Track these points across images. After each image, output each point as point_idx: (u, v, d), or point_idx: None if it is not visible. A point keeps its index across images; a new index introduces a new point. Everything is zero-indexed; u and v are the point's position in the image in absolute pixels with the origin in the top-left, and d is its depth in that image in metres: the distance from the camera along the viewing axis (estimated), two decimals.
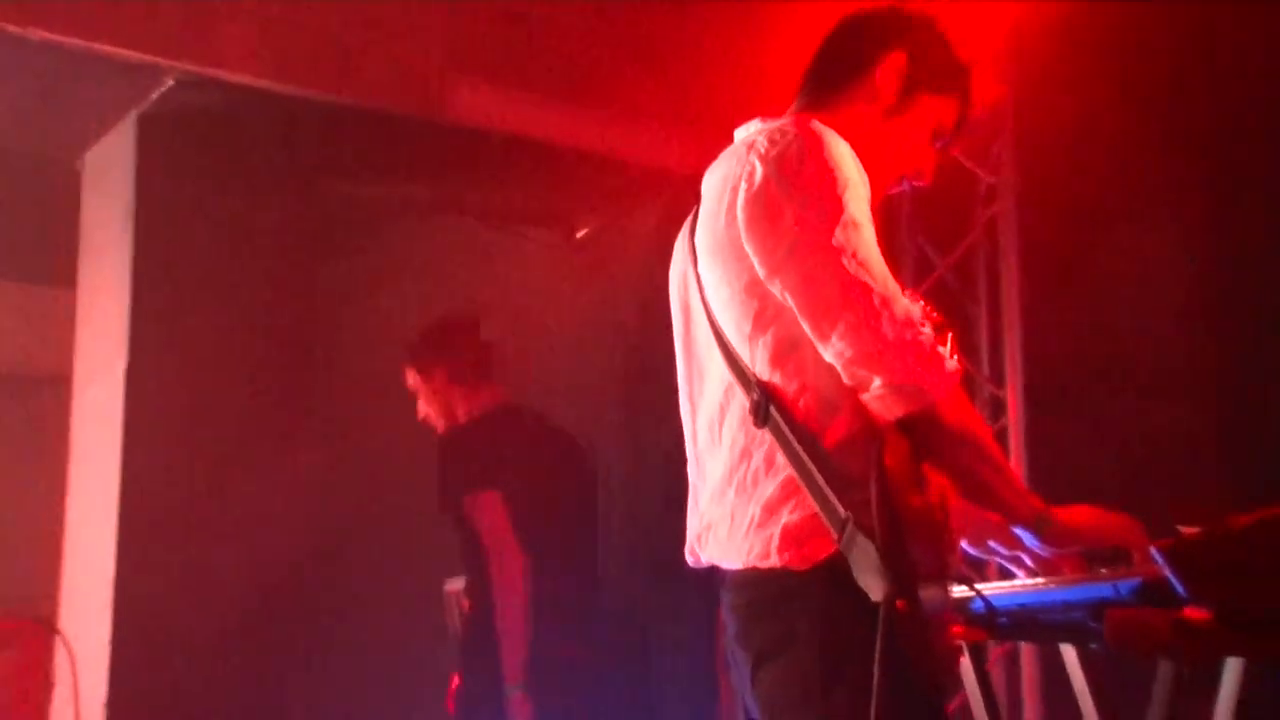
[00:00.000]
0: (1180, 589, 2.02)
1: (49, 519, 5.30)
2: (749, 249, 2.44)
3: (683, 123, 5.43)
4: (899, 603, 2.20)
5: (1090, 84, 6.30)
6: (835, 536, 2.28)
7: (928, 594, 2.22)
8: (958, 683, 2.95)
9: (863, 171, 2.46)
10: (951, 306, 5.75)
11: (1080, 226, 6.33)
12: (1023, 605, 2.59)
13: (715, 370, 2.54)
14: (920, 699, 2.28)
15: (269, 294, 5.17)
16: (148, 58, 4.66)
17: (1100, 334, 6.35)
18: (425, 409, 5.07)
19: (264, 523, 5.01)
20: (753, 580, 2.42)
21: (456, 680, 4.90)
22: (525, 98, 5.27)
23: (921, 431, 2.32)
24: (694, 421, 2.63)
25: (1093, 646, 2.95)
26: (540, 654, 4.67)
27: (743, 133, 2.61)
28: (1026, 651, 5.58)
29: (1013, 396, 5.82)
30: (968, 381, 3.24)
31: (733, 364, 2.48)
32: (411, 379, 5.07)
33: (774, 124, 2.54)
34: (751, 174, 2.45)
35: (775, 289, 2.41)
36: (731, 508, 2.46)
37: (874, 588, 2.22)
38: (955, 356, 2.40)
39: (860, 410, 2.35)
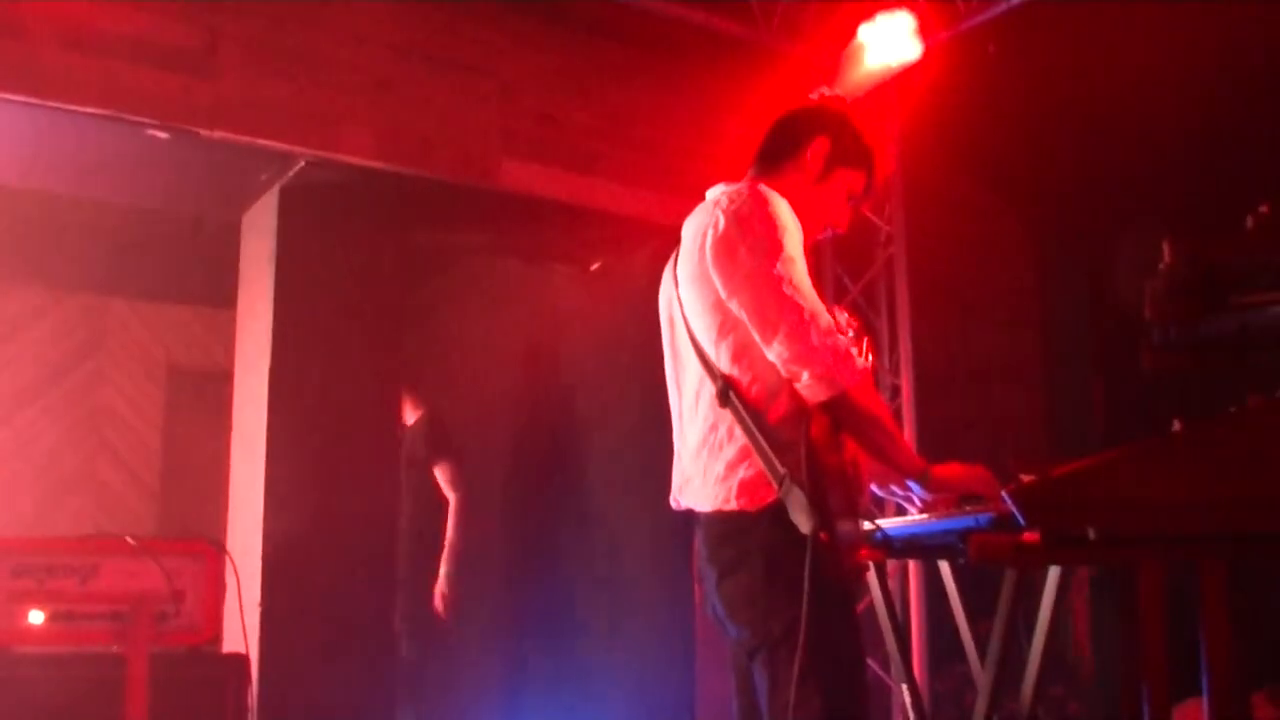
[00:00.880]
0: (1020, 519, 2.02)
1: (220, 472, 5.30)
2: (714, 277, 2.44)
3: (665, 189, 5.42)
4: (822, 534, 2.21)
5: (956, 161, 6.35)
6: (776, 487, 2.29)
7: (842, 527, 2.23)
8: (865, 590, 2.96)
9: (797, 221, 2.46)
10: (860, 320, 5.73)
11: (949, 263, 6.36)
12: (911, 534, 2.59)
13: (692, 365, 2.54)
14: (837, 601, 2.29)
15: (371, 312, 5.15)
16: (287, 146, 4.66)
17: (964, 340, 6.38)
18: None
19: (369, 476, 5.00)
20: (718, 519, 2.43)
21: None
22: (553, 172, 5.27)
23: (838, 411, 2.33)
24: (679, 402, 2.63)
25: (960, 562, 2.94)
26: None
27: (712, 193, 2.61)
28: (913, 567, 5.57)
29: (905, 384, 5.80)
30: (874, 373, 3.24)
31: (704, 361, 2.48)
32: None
33: (733, 187, 2.54)
34: (716, 223, 2.45)
35: (733, 306, 2.41)
36: (704, 466, 2.46)
37: (803, 523, 2.23)
38: (869, 355, 2.41)
39: (794, 395, 2.35)
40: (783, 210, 2.44)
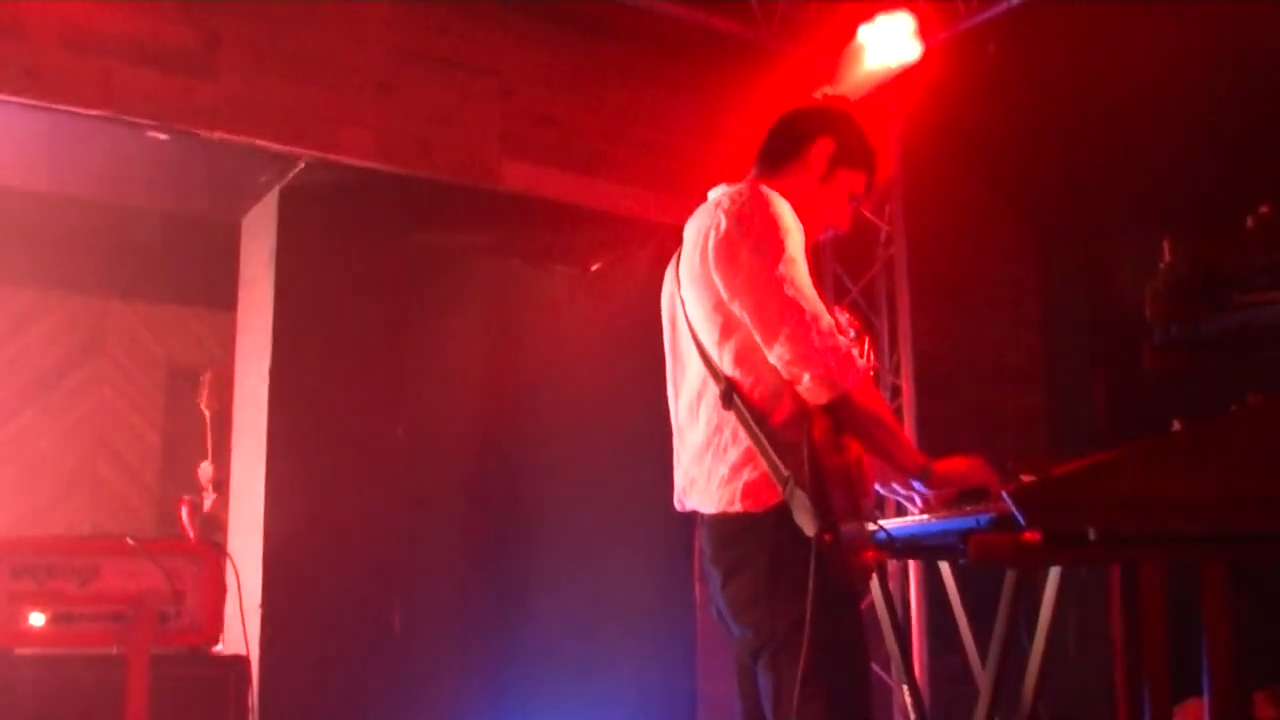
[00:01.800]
0: (1021, 520, 2.03)
1: (220, 471, 5.30)
2: (715, 279, 2.43)
3: (666, 189, 5.43)
4: (826, 535, 2.21)
5: (956, 161, 6.35)
6: (780, 489, 2.29)
7: (846, 529, 2.23)
8: (867, 590, 2.96)
9: (799, 222, 2.46)
10: (860, 320, 5.74)
11: (949, 263, 6.36)
12: (912, 534, 2.59)
13: (693, 366, 2.54)
14: (841, 602, 2.29)
15: (371, 313, 5.15)
16: (288, 148, 4.66)
17: (964, 339, 6.38)
18: None
19: (370, 476, 5.00)
20: (722, 521, 2.43)
21: None
22: (554, 173, 5.28)
23: (840, 412, 2.33)
24: (677, 403, 2.63)
25: (961, 562, 2.95)
26: None
27: (714, 193, 2.60)
28: (914, 567, 5.58)
29: (906, 384, 5.81)
30: (875, 373, 3.25)
31: (707, 363, 2.48)
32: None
33: (735, 187, 2.53)
34: (718, 224, 2.44)
35: (735, 308, 2.41)
36: (708, 468, 2.46)
37: (807, 525, 2.23)
38: (870, 355, 2.41)
39: (797, 397, 2.35)
40: (784, 211, 2.44)
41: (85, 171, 5.00)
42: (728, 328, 2.43)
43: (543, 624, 5.93)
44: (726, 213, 2.44)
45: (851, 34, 5.33)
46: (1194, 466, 2.04)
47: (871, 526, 2.55)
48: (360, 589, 4.87)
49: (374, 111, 4.84)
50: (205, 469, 5.53)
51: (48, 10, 4.21)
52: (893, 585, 5.60)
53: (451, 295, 6.27)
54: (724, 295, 2.42)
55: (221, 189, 5.09)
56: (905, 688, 3.20)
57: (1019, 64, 5.50)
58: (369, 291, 5.15)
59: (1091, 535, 2.02)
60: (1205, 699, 2.03)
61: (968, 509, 2.44)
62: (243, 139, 4.54)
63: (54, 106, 4.22)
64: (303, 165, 4.81)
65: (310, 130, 4.67)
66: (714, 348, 2.46)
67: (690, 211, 2.60)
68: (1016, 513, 2.02)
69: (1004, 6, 5.09)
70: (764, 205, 2.43)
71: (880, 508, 3.73)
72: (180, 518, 5.49)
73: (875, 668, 5.20)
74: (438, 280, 5.93)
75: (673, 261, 2.67)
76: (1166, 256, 2.26)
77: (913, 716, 3.14)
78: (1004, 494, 2.05)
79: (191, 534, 5.40)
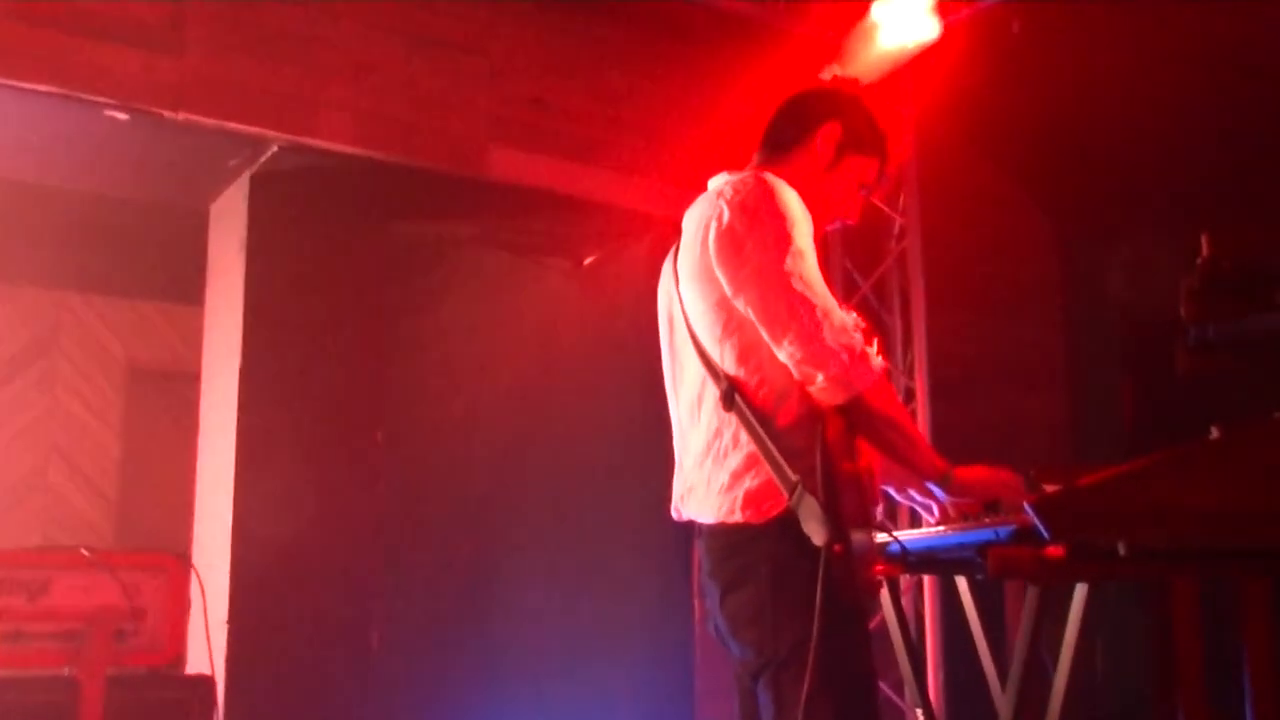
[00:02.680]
0: (1043, 532, 2.02)
1: (185, 480, 5.29)
2: (718, 273, 2.42)
3: (664, 178, 5.43)
4: (836, 546, 2.20)
5: (975, 149, 6.35)
6: (787, 496, 2.28)
7: (857, 539, 2.22)
8: (878, 606, 2.95)
9: (806, 212, 2.45)
10: (872, 318, 5.74)
11: (967, 257, 6.36)
12: (928, 547, 2.59)
13: (693, 366, 2.53)
14: (849, 618, 2.29)
15: (349, 308, 5.15)
16: (259, 131, 4.65)
17: (982, 339, 6.38)
18: None
19: (347, 483, 5.00)
20: (722, 531, 2.42)
21: None
22: (545, 160, 5.27)
23: (854, 414, 2.32)
24: (677, 406, 2.62)
25: (979, 577, 2.94)
26: None
27: (715, 182, 2.59)
28: (929, 583, 5.57)
29: (920, 386, 5.81)
30: (887, 374, 3.23)
31: (706, 362, 2.47)
32: None
33: (738, 176, 2.53)
34: (720, 215, 2.44)
35: (739, 304, 2.40)
36: (708, 474, 2.45)
37: (817, 534, 2.23)
38: (880, 355, 2.40)
39: (805, 397, 2.35)
40: (791, 200, 2.43)
41: (37, 154, 4.98)
42: (729, 324, 2.43)
43: (530, 642, 5.91)
44: (729, 202, 2.43)
45: (863, 11, 5.32)
46: (1232, 476, 2.03)
47: (884, 538, 2.54)
48: (336, 604, 4.85)
49: (352, 92, 4.82)
50: None
51: None
52: (906, 601, 5.59)
53: (435, 289, 6.25)
54: (727, 290, 2.41)
55: (187, 174, 5.07)
56: (919, 711, 3.19)
57: (1044, 44, 5.50)
58: (346, 285, 5.14)
59: (1121, 549, 2.01)
60: None
61: (986, 520, 2.43)
62: (210, 120, 4.52)
63: (4, 82, 4.20)
64: (275, 149, 4.79)
65: (283, 112, 4.65)
66: (714, 346, 2.45)
67: (690, 201, 2.60)
68: (1039, 525, 2.01)
69: None
70: (769, 194, 2.42)
71: (892, 518, 3.73)
72: None
73: (887, 690, 5.21)
74: (420, 274, 5.91)
75: (670, 254, 2.67)
76: (1204, 252, 2.25)
77: None
78: (1025, 505, 2.04)
79: None
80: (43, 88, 4.25)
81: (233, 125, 4.58)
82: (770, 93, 2.81)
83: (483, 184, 5.16)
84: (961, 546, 2.45)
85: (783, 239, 2.38)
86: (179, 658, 3.85)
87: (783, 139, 2.67)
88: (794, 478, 2.27)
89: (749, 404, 2.37)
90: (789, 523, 2.27)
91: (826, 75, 2.79)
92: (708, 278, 2.45)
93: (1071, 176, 6.42)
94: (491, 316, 6.17)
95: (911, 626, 5.43)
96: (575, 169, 5.32)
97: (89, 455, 6.99)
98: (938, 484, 2.47)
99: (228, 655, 4.54)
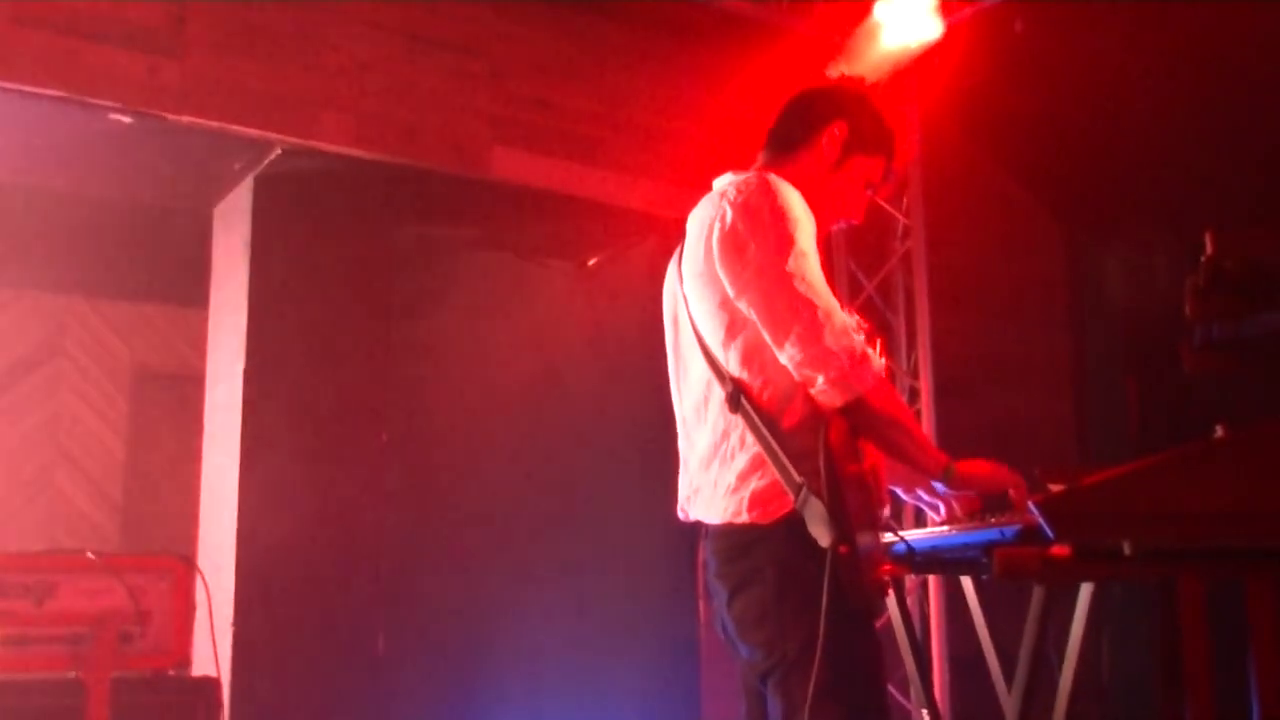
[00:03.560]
0: (1049, 532, 2.01)
1: (190, 482, 5.29)
2: (721, 274, 2.42)
3: (666, 180, 5.43)
4: (842, 547, 2.20)
5: (979, 149, 6.35)
6: (792, 498, 2.28)
7: (863, 540, 2.22)
8: (883, 607, 2.95)
9: (810, 213, 2.45)
10: (876, 319, 5.75)
11: (972, 258, 6.36)
12: (933, 547, 2.59)
13: (698, 367, 2.53)
14: (856, 619, 2.28)
15: (353, 311, 5.14)
16: (262, 133, 4.65)
17: (987, 340, 6.37)
18: None
19: (352, 485, 4.99)
20: (728, 532, 2.42)
21: None
22: (549, 161, 5.27)
23: (856, 415, 2.32)
24: (682, 406, 2.62)
25: (984, 577, 2.94)
26: None
27: (719, 183, 2.60)
28: (934, 583, 5.57)
29: (924, 386, 5.81)
30: (890, 374, 3.22)
31: (711, 363, 2.47)
32: None
33: (741, 177, 2.53)
34: (723, 216, 2.44)
35: (742, 306, 2.40)
36: (714, 476, 2.45)
37: (822, 536, 2.23)
38: (883, 357, 2.40)
39: (810, 399, 2.35)
40: (794, 202, 2.43)
41: (42, 157, 4.98)
42: (734, 326, 2.42)
43: (536, 644, 5.91)
44: (732, 204, 2.43)
45: (866, 11, 5.32)
46: (1238, 476, 2.02)
47: (891, 538, 2.54)
48: (341, 607, 4.85)
49: (355, 94, 4.83)
50: None
51: None
52: (911, 601, 5.59)
53: (439, 291, 6.25)
54: (730, 292, 2.41)
55: (191, 177, 5.07)
56: (924, 712, 3.18)
57: (1047, 44, 5.49)
58: (350, 287, 5.14)
59: (1126, 549, 2.00)
60: None
61: (991, 520, 2.43)
62: (213, 123, 4.53)
63: (7, 86, 4.20)
64: (279, 152, 4.79)
65: (286, 114, 4.65)
66: (719, 347, 2.45)
67: (694, 203, 2.60)
68: (1044, 525, 2.01)
69: None
70: (772, 195, 2.42)
71: (897, 518, 3.73)
72: None
73: (892, 690, 5.21)
74: (424, 275, 5.91)
75: (675, 256, 2.67)
76: (1208, 250, 2.24)
77: None
78: (1031, 505, 2.03)
79: None
80: (46, 91, 4.25)
81: (236, 128, 4.59)
82: (773, 92, 2.81)
83: (485, 185, 5.16)
84: (967, 546, 2.45)
85: (785, 240, 2.38)
86: (184, 661, 3.84)
87: (788, 138, 2.67)
88: (799, 479, 2.27)
89: (754, 406, 2.37)
90: (795, 524, 2.27)
91: (833, 73, 2.79)
92: (711, 279, 2.45)
93: (1075, 176, 6.42)
94: (495, 318, 6.17)
95: (916, 626, 5.43)
96: (578, 169, 5.32)
97: (94, 458, 7.00)
98: (940, 479, 2.47)
99: (233, 658, 4.53)
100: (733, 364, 2.43)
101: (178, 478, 6.06)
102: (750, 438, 2.37)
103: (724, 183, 2.56)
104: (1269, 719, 1.99)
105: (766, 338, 2.37)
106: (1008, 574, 2.10)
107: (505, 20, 5.21)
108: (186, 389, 6.18)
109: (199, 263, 5.36)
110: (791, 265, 2.36)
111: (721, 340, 2.44)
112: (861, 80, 2.77)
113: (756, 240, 2.38)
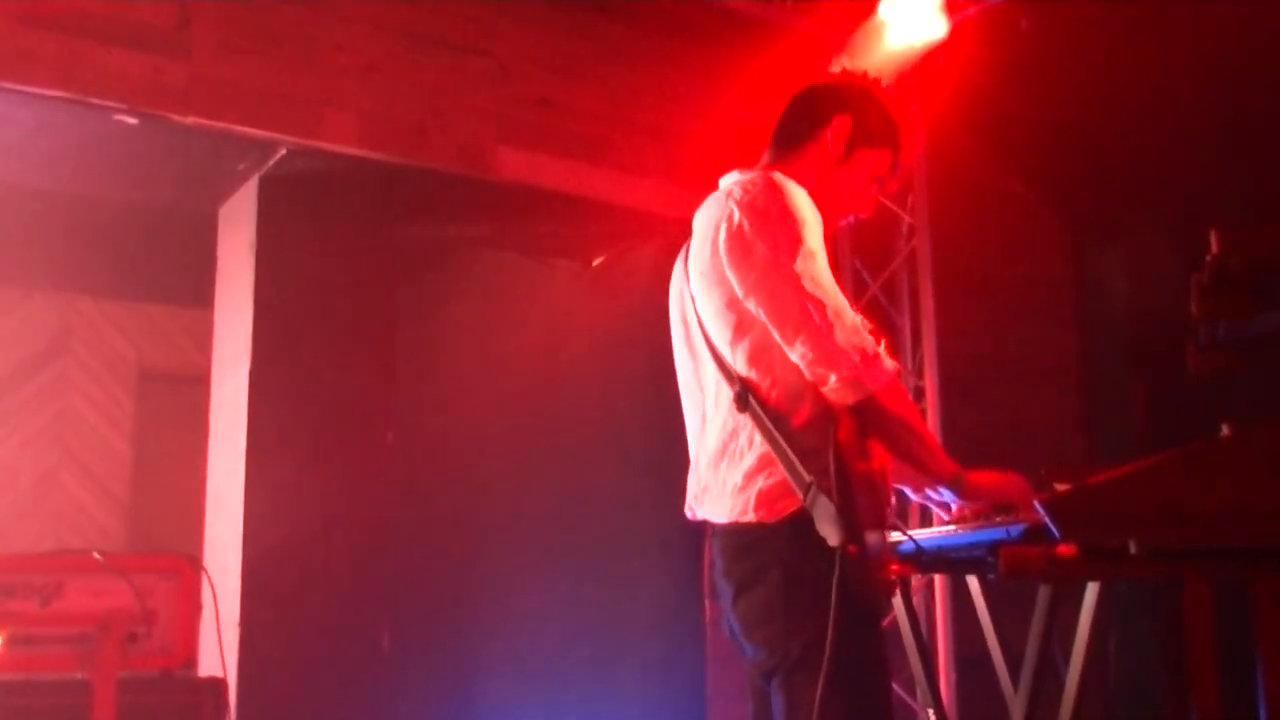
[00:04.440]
0: (1055, 531, 2.02)
1: (196, 482, 5.30)
2: (729, 274, 2.42)
3: (672, 179, 5.43)
4: (851, 547, 2.20)
5: (985, 147, 6.34)
6: (801, 496, 2.28)
7: (871, 540, 2.23)
8: (890, 606, 2.95)
9: (817, 212, 2.45)
10: (881, 318, 5.75)
11: (977, 257, 6.35)
12: (939, 546, 2.59)
13: (707, 366, 2.53)
14: (862, 619, 2.29)
15: (359, 311, 5.15)
16: (267, 134, 4.65)
17: (992, 339, 6.37)
18: None
19: (357, 485, 5.00)
20: (735, 531, 2.42)
21: None
22: (554, 161, 5.27)
23: (866, 414, 2.32)
24: (695, 406, 2.61)
25: (990, 577, 2.94)
26: None
27: (725, 181, 2.60)
28: (939, 582, 5.56)
29: (930, 386, 5.80)
30: (898, 375, 3.23)
31: (719, 363, 2.47)
32: None
33: (747, 176, 2.53)
34: (730, 216, 2.44)
35: (750, 305, 2.40)
36: (722, 475, 2.46)
37: (831, 535, 2.23)
38: (891, 357, 2.40)
39: (818, 398, 2.35)
40: (801, 200, 2.43)
41: (47, 158, 4.99)
42: (741, 326, 2.43)
43: (541, 643, 5.92)
44: (739, 203, 2.43)
45: (870, 9, 5.32)
46: (1244, 475, 2.02)
47: (899, 537, 2.54)
48: (347, 605, 4.86)
49: (360, 94, 4.83)
50: None
51: None
52: (917, 601, 5.58)
53: (444, 291, 6.26)
54: (738, 292, 2.41)
55: (196, 177, 5.08)
56: (930, 711, 3.18)
57: (1053, 42, 5.49)
58: (356, 287, 5.15)
59: (1132, 548, 2.01)
60: None
61: (997, 519, 2.43)
62: (218, 124, 4.53)
63: (12, 87, 4.21)
64: (284, 152, 4.80)
65: (291, 114, 4.66)
66: (727, 347, 2.45)
67: (699, 202, 2.60)
68: (1050, 524, 2.01)
69: None
70: (779, 195, 2.42)
71: (902, 517, 3.72)
72: None
73: (898, 690, 5.20)
74: (429, 275, 5.92)
75: (681, 254, 2.67)
76: (1213, 249, 2.24)
77: None
78: (1037, 504, 2.04)
79: None
80: (52, 92, 4.26)
81: (241, 128, 4.59)
82: (778, 91, 2.81)
83: (491, 185, 5.16)
84: (973, 546, 2.45)
85: (793, 240, 2.38)
86: (190, 661, 3.85)
87: (793, 135, 2.67)
88: (808, 478, 2.27)
89: (762, 405, 2.37)
90: (802, 523, 2.27)
91: (835, 68, 2.79)
92: (718, 279, 2.45)
93: (1081, 175, 6.41)
94: (500, 317, 6.18)
95: (922, 625, 5.43)
96: (583, 169, 5.32)
97: (100, 458, 7.00)
98: (950, 487, 2.47)
99: (239, 658, 4.54)
100: (740, 363, 2.43)
101: (183, 478, 6.05)
102: (758, 437, 2.37)
103: (730, 182, 2.56)
104: (1276, 716, 1.99)
105: (776, 337, 2.36)
106: (1014, 573, 2.10)
107: (510, 20, 5.21)
108: (192, 389, 6.18)
109: (204, 263, 5.37)
110: (799, 264, 2.36)
111: (729, 340, 2.44)
112: (865, 74, 2.76)
113: (764, 240, 2.38)
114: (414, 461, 5.62)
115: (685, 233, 2.62)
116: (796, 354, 2.34)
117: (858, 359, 2.30)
